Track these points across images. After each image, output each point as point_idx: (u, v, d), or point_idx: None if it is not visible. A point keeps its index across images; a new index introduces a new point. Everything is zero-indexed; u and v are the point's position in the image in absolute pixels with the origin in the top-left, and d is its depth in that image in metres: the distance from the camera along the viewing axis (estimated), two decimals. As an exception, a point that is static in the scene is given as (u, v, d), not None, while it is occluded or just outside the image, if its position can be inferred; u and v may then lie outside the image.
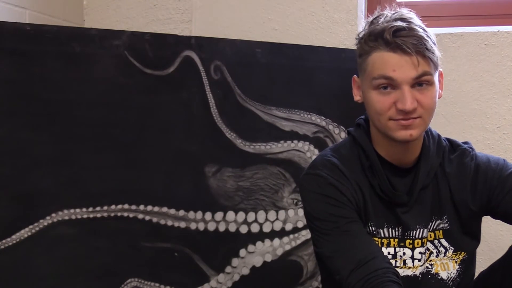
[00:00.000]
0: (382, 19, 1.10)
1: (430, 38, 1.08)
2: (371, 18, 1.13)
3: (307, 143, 1.62)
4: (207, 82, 1.53)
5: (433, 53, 1.07)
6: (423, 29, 1.08)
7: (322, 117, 1.63)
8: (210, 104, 1.54)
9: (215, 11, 1.84)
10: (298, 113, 1.61)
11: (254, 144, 1.57)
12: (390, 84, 1.07)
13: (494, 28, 1.72)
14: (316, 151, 1.61)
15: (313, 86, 1.62)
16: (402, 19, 1.08)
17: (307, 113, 1.62)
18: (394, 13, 1.11)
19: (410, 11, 1.13)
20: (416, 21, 1.09)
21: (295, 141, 1.61)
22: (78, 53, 1.43)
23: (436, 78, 1.10)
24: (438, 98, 1.14)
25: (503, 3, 1.82)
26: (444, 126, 1.73)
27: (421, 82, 1.07)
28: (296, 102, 1.60)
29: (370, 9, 1.85)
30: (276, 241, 1.59)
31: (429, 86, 1.08)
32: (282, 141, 1.60)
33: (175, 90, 1.51)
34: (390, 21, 1.08)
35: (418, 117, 1.09)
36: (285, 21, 1.81)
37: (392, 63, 1.06)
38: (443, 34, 1.73)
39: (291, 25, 1.81)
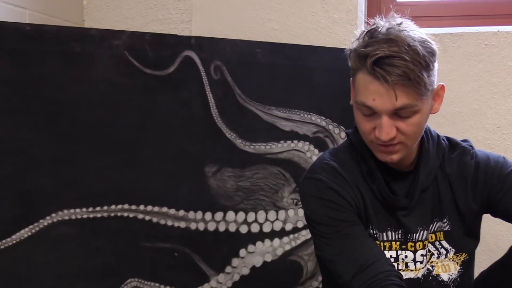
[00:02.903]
0: (374, 35, 1.04)
1: (420, 63, 1.00)
2: (365, 29, 1.07)
3: (307, 143, 1.62)
4: (207, 82, 1.53)
5: (418, 82, 1.00)
6: (414, 52, 1.00)
7: (322, 117, 1.63)
8: (210, 104, 1.54)
9: (215, 11, 1.84)
10: (298, 113, 1.61)
11: (254, 144, 1.57)
12: (371, 111, 1.05)
13: (494, 28, 1.72)
14: (316, 151, 1.61)
15: (313, 86, 1.62)
16: (391, 41, 1.00)
17: (307, 113, 1.62)
18: (388, 28, 1.04)
19: (407, 24, 1.05)
20: (408, 42, 1.00)
21: (295, 141, 1.61)
22: (78, 53, 1.43)
23: (425, 100, 1.05)
24: (432, 113, 1.11)
25: (503, 3, 1.82)
26: (444, 126, 1.73)
27: (401, 114, 1.04)
28: (296, 102, 1.60)
29: (370, 9, 1.85)
30: (276, 241, 1.59)
31: (413, 114, 1.04)
32: (282, 141, 1.60)
33: (175, 90, 1.51)
34: (377, 43, 1.01)
35: (399, 143, 1.07)
36: (285, 21, 1.81)
37: (372, 91, 1.02)
38: (443, 34, 1.73)
39: (291, 25, 1.81)
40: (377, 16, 1.10)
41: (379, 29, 1.05)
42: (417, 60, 1.00)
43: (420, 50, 1.01)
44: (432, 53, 1.04)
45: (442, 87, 1.11)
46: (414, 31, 1.04)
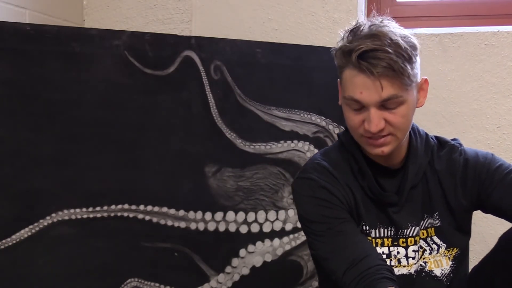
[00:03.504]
0: (357, 33, 1.08)
1: (402, 56, 1.04)
2: (348, 29, 1.11)
3: (307, 143, 1.62)
4: (207, 82, 1.53)
5: (402, 73, 1.03)
6: (396, 45, 1.04)
7: (322, 117, 1.63)
8: (210, 104, 1.54)
9: (215, 11, 1.84)
10: (298, 113, 1.61)
11: (254, 144, 1.57)
12: (359, 105, 1.08)
13: (494, 28, 1.72)
14: (316, 151, 1.61)
15: (313, 86, 1.62)
16: (374, 36, 1.05)
17: (307, 113, 1.62)
18: (370, 26, 1.08)
19: (389, 21, 1.09)
20: (390, 36, 1.04)
21: (295, 141, 1.61)
22: (78, 53, 1.43)
23: (411, 92, 1.08)
24: (418, 106, 1.14)
25: (503, 3, 1.82)
26: (444, 126, 1.73)
27: (388, 105, 1.06)
28: (296, 102, 1.60)
29: (370, 9, 1.85)
30: (276, 241, 1.59)
31: (399, 105, 1.07)
32: (282, 141, 1.60)
33: (175, 90, 1.51)
34: (360, 39, 1.05)
35: (389, 135, 1.09)
36: (285, 21, 1.81)
37: (359, 85, 1.06)
38: (443, 34, 1.73)
39: (291, 25, 1.81)
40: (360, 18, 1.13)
41: (362, 27, 1.09)
42: (399, 53, 1.03)
43: (402, 44, 1.05)
44: (413, 47, 1.08)
45: (426, 81, 1.14)
46: (395, 28, 1.08)
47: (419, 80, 1.12)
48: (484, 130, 1.73)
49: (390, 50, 1.03)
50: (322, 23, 1.79)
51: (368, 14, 1.84)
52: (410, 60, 1.05)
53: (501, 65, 1.71)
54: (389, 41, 1.04)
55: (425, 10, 1.86)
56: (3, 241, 1.36)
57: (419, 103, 1.14)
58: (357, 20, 1.12)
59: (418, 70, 1.10)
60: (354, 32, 1.09)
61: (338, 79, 1.15)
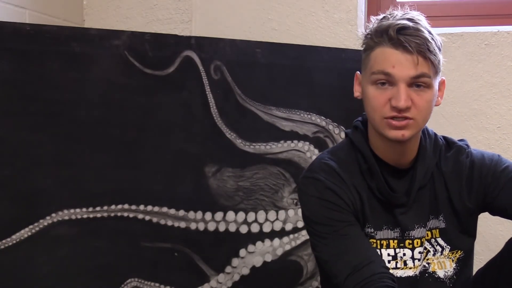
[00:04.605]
0: (391, 17, 1.11)
1: (434, 41, 1.08)
2: (381, 16, 1.13)
3: (307, 143, 1.62)
4: (207, 82, 1.53)
5: (435, 55, 1.07)
6: (429, 32, 1.08)
7: (322, 117, 1.63)
8: (210, 104, 1.54)
9: (215, 11, 1.84)
10: (298, 113, 1.61)
11: (254, 144, 1.57)
12: (388, 80, 1.08)
13: (494, 28, 1.72)
14: (316, 151, 1.61)
15: (313, 86, 1.62)
16: (410, 19, 1.08)
17: (307, 113, 1.62)
18: (404, 13, 1.11)
19: (420, 14, 1.12)
20: (424, 23, 1.09)
21: (295, 141, 1.61)
22: (78, 53, 1.43)
23: (435, 82, 1.10)
24: (436, 105, 1.14)
25: (503, 3, 1.82)
26: (444, 126, 1.73)
27: (419, 83, 1.07)
28: (296, 102, 1.60)
29: (370, 9, 1.85)
30: (276, 241, 1.59)
31: (426, 89, 1.08)
32: (282, 141, 1.60)
33: (175, 90, 1.51)
34: (397, 19, 1.08)
35: (411, 119, 1.08)
36: (285, 21, 1.81)
37: (392, 60, 1.06)
38: (443, 34, 1.72)
39: (291, 25, 1.81)
40: (391, 7, 1.17)
41: (394, 13, 1.12)
42: (433, 38, 1.08)
43: (434, 32, 1.10)
44: (440, 43, 1.12)
45: (443, 82, 1.16)
46: (424, 21, 1.12)
47: (440, 76, 1.13)
48: (484, 130, 1.73)
49: (426, 31, 1.07)
50: (322, 23, 1.79)
51: (368, 14, 1.84)
52: (440, 49, 1.10)
53: (501, 65, 1.71)
54: (424, 25, 1.09)
55: (425, 10, 1.85)
56: (3, 241, 1.36)
57: (437, 101, 1.14)
58: (390, 10, 1.14)
59: (441, 67, 1.13)
60: (388, 17, 1.11)
61: (357, 72, 1.16)
